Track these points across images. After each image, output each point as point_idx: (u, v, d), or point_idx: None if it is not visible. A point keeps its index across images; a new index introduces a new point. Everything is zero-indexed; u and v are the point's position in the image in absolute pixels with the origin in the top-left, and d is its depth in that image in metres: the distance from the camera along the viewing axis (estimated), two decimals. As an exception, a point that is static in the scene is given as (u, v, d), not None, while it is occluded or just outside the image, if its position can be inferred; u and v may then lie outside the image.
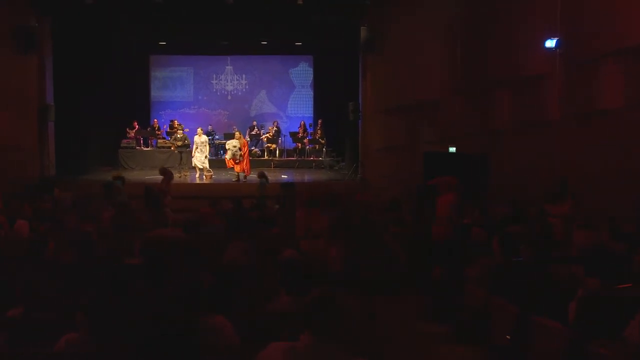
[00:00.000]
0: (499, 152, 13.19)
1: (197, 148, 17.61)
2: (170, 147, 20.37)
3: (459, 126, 14.38)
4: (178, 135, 18.60)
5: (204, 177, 17.52)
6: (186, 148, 18.23)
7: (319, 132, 20.94)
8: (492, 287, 5.71)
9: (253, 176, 16.60)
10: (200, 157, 17.54)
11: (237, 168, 17.33)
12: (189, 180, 17.54)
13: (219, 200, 10.98)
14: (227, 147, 17.67)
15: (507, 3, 12.76)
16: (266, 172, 15.87)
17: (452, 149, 14.64)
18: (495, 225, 8.37)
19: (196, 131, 18.09)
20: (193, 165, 17.68)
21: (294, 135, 21.32)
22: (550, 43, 11.16)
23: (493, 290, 5.63)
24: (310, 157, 20.86)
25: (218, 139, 20.98)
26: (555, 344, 4.54)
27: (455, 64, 14.33)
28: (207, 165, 17.65)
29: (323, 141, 20.77)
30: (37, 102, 17.19)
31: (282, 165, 20.39)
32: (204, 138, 17.86)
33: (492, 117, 13.46)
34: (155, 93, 23.58)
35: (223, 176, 17.96)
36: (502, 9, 12.89)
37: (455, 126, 14.50)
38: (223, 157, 18.79)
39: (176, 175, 17.92)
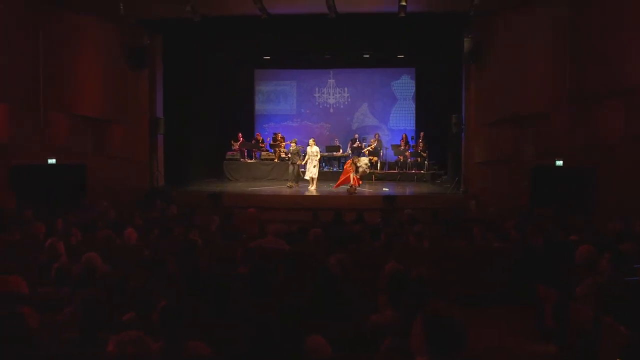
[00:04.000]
0: (608, 165, 12.66)
1: (309, 159, 17.82)
2: (273, 160, 20.79)
3: (566, 139, 13.90)
4: (292, 148, 18.68)
5: (312, 188, 17.57)
6: (297, 160, 18.43)
7: (420, 144, 20.78)
8: (601, 307, 5.48)
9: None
10: (310, 168, 17.71)
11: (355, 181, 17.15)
12: (293, 192, 17.67)
13: (319, 212, 11.09)
14: (358, 164, 17.15)
15: (619, 10, 12.26)
16: None
17: (559, 163, 14.19)
18: (604, 242, 8.03)
19: (308, 142, 18.33)
20: (304, 176, 17.87)
21: (395, 147, 21.26)
22: (666, 52, 10.66)
23: (603, 310, 5.40)
24: (412, 170, 20.72)
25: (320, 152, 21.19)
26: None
27: (562, 74, 13.87)
28: (315, 176, 17.75)
29: (425, 154, 20.59)
30: (149, 116, 18.00)
31: (383, 178, 20.35)
32: (315, 149, 17.99)
33: (602, 130, 12.92)
34: (259, 106, 24.12)
35: (325, 188, 18.03)
36: (614, 16, 12.39)
37: (562, 139, 14.03)
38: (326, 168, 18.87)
39: (286, 185, 18.26)
